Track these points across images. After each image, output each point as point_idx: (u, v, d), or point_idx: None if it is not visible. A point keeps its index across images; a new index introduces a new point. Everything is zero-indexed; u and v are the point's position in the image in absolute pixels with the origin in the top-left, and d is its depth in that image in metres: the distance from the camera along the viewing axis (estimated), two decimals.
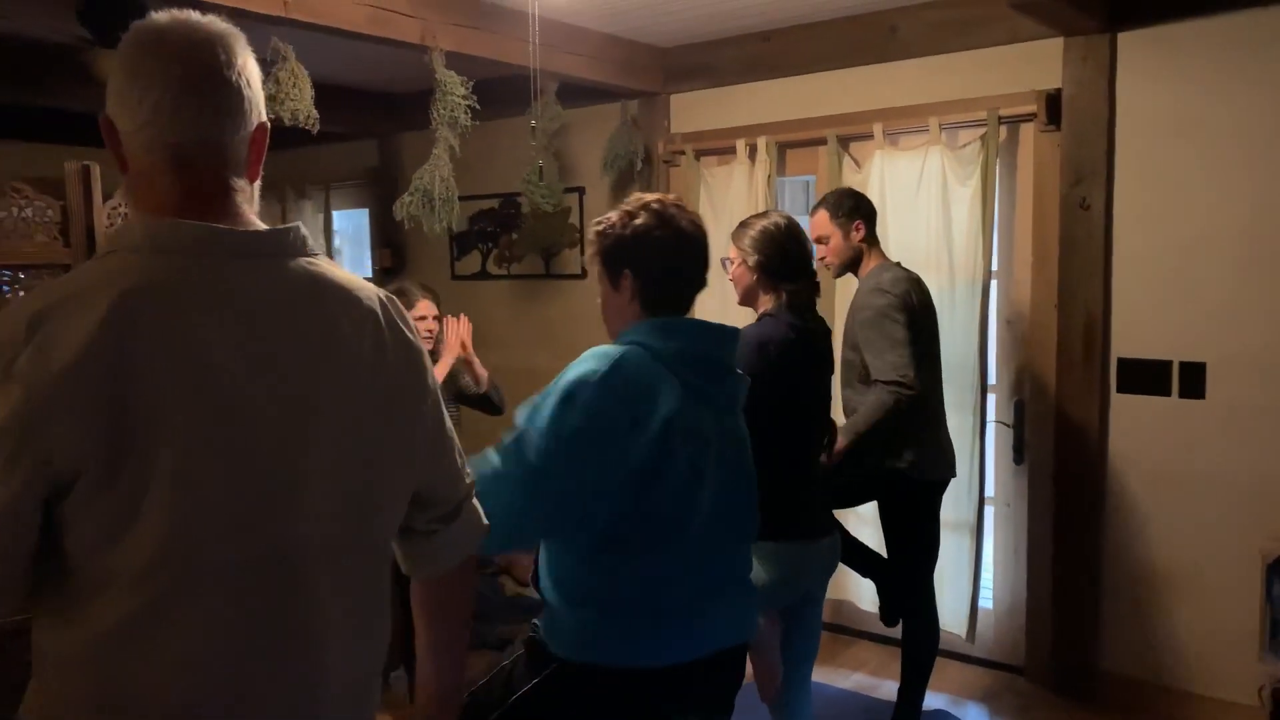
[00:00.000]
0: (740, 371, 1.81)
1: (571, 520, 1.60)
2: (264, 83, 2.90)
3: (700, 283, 1.78)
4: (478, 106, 3.45)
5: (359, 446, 1.17)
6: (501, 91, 3.72)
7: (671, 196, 1.79)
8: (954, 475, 3.16)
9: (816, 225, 3.11)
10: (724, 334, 1.78)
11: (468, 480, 1.35)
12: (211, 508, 1.05)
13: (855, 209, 3.04)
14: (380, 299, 1.22)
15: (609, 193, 4.47)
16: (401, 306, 1.25)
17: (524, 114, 3.93)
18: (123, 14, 1.15)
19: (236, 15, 2.77)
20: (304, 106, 2.96)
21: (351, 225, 6.37)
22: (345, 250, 6.56)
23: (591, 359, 1.63)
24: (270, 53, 2.95)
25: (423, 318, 3.25)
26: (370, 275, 5.77)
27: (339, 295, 1.17)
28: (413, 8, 3.28)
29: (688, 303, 1.77)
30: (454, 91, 3.35)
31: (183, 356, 1.03)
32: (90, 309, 1.00)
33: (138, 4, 3.13)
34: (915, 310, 2.97)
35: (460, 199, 4.92)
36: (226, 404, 1.05)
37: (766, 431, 2.36)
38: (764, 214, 2.53)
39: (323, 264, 1.18)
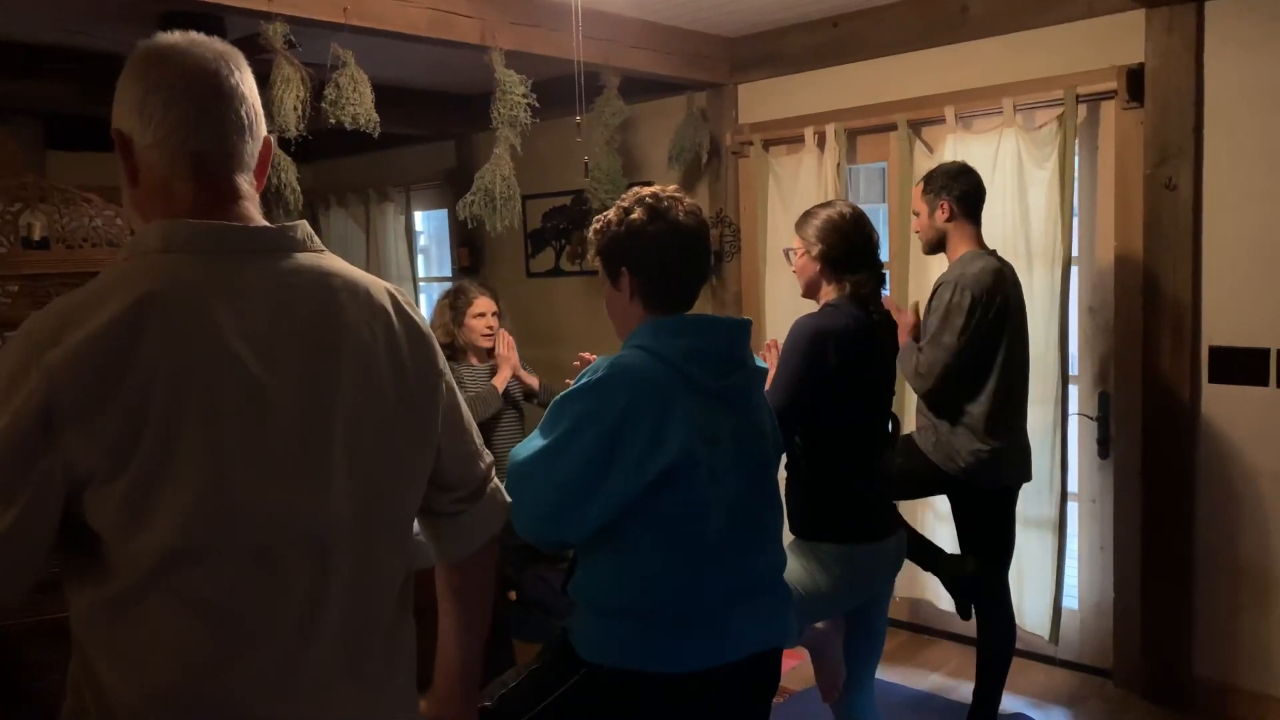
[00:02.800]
0: (758, 363, 1.77)
1: (569, 523, 1.61)
2: (325, 88, 3.00)
3: (703, 275, 1.75)
4: (537, 105, 3.46)
5: (376, 430, 1.20)
6: (571, 88, 3.73)
7: (671, 188, 1.75)
8: (1028, 479, 3.03)
9: (914, 197, 3.04)
10: (731, 328, 1.73)
11: (487, 460, 1.38)
12: (236, 494, 1.08)
13: (944, 188, 2.92)
14: (389, 290, 1.27)
15: (677, 186, 4.44)
16: (409, 298, 1.30)
17: (593, 110, 3.93)
18: (202, 28, 1.23)
19: (298, 23, 2.89)
20: (364, 110, 3.01)
21: (433, 225, 6.50)
22: (432, 250, 6.71)
23: (589, 370, 1.64)
24: (331, 58, 3.02)
25: (481, 314, 3.29)
26: (450, 274, 5.89)
27: (348, 287, 1.21)
28: (472, 8, 3.31)
29: (691, 296, 1.73)
30: (514, 91, 3.37)
31: (201, 350, 1.08)
32: (105, 310, 1.05)
33: (216, 18, 3.27)
34: (996, 310, 2.82)
35: (533, 197, 5.01)
36: (246, 392, 1.10)
37: (824, 426, 2.31)
38: (828, 203, 2.46)
39: (329, 259, 1.23)
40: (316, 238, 1.23)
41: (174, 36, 1.18)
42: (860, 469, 2.38)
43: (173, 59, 1.15)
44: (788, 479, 2.37)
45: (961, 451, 2.86)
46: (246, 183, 1.20)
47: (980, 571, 2.95)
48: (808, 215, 2.44)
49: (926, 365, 2.85)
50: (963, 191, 2.92)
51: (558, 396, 1.64)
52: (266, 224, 1.19)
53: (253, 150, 1.21)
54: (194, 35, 1.19)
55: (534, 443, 1.64)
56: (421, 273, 6.21)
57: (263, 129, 1.23)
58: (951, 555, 3.01)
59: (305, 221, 1.23)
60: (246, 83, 1.20)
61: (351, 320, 1.19)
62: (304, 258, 1.19)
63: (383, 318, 1.23)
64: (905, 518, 3.02)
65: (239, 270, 1.13)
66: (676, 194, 1.73)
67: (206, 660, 1.09)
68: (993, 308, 2.81)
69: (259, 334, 1.11)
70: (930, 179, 2.97)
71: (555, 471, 1.59)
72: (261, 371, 1.11)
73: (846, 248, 2.37)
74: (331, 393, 1.16)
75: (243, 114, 1.18)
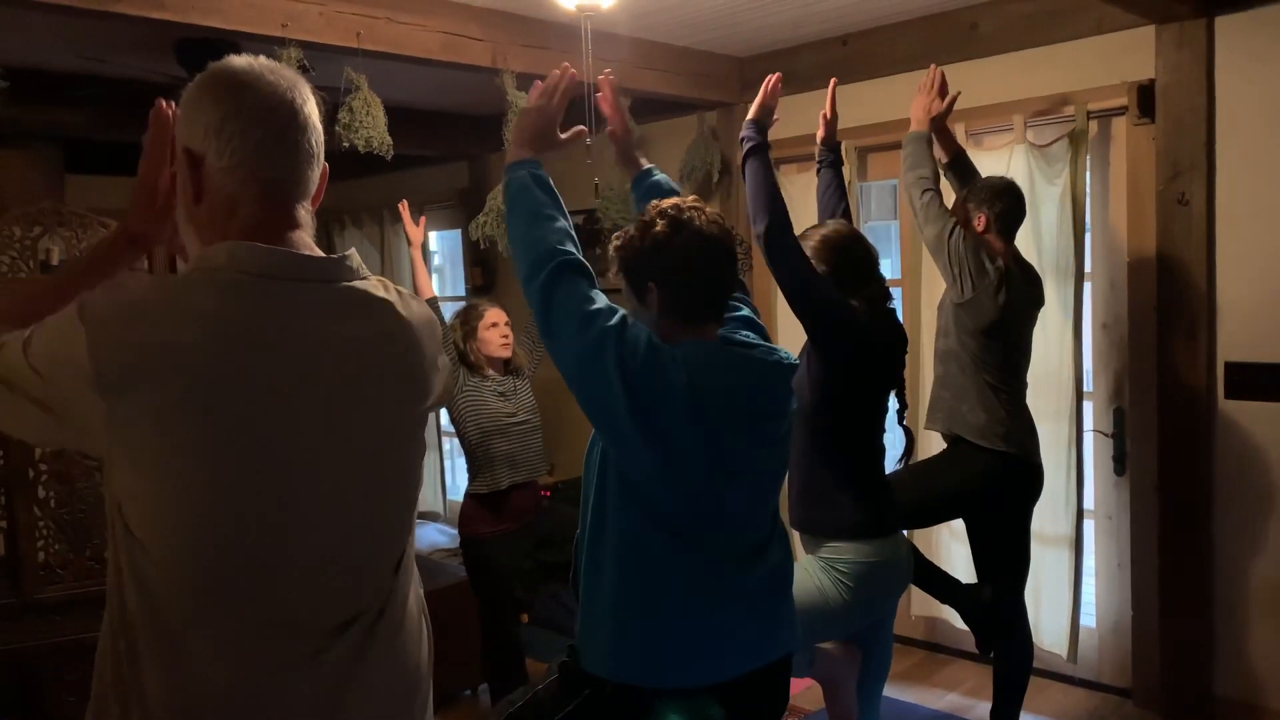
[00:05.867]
0: (791, 407, 1.73)
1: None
2: (339, 111, 3.03)
3: (731, 285, 1.72)
4: None
5: (405, 455, 1.26)
6: (582, 108, 3.75)
7: (691, 199, 1.72)
8: (1038, 458, 2.98)
9: (954, 201, 3.08)
10: (771, 371, 1.68)
11: None
12: (251, 514, 1.11)
13: (985, 201, 2.94)
14: (426, 321, 1.30)
15: (696, 196, 4.46)
16: (439, 329, 1.34)
17: (604, 130, 3.94)
18: (218, 55, 1.26)
19: (312, 48, 2.92)
20: (377, 134, 3.04)
21: (446, 245, 6.53)
22: (446, 269, 6.74)
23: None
24: (344, 82, 3.05)
25: (494, 324, 3.33)
26: (464, 293, 5.92)
27: (395, 316, 1.24)
28: (484, 31, 3.34)
29: (721, 307, 1.71)
30: None
31: (250, 371, 1.11)
32: (172, 322, 1.09)
33: (231, 44, 3.31)
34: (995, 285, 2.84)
35: None
36: (288, 416, 1.13)
37: (835, 420, 2.34)
38: (820, 225, 2.48)
39: (376, 287, 1.25)
40: (364, 266, 1.26)
41: (247, 61, 1.21)
42: (873, 468, 2.40)
43: (253, 85, 1.18)
44: (795, 479, 2.37)
45: (973, 412, 2.88)
46: (305, 210, 1.24)
47: (995, 600, 2.93)
48: (802, 238, 2.42)
49: (923, 199, 2.94)
50: (1004, 209, 2.94)
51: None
52: (322, 254, 1.22)
53: (315, 178, 1.25)
54: (265, 61, 1.22)
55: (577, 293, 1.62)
56: (436, 292, 6.22)
57: (322, 157, 1.26)
58: (967, 585, 2.99)
59: (354, 251, 1.25)
60: (314, 112, 1.23)
61: (397, 351, 1.23)
62: (357, 285, 1.22)
63: (427, 349, 1.27)
64: (920, 549, 3.03)
65: (295, 296, 1.17)
66: (697, 204, 1.70)
67: (214, 675, 1.11)
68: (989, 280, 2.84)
69: (309, 356, 1.15)
70: (974, 189, 3.00)
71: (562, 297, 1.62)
72: (306, 396, 1.14)
73: (848, 263, 2.37)
74: (370, 418, 1.20)
75: (313, 143, 1.22)
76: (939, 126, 3.13)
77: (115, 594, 1.13)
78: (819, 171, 2.81)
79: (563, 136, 1.80)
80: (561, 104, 1.76)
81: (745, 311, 1.85)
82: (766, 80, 2.48)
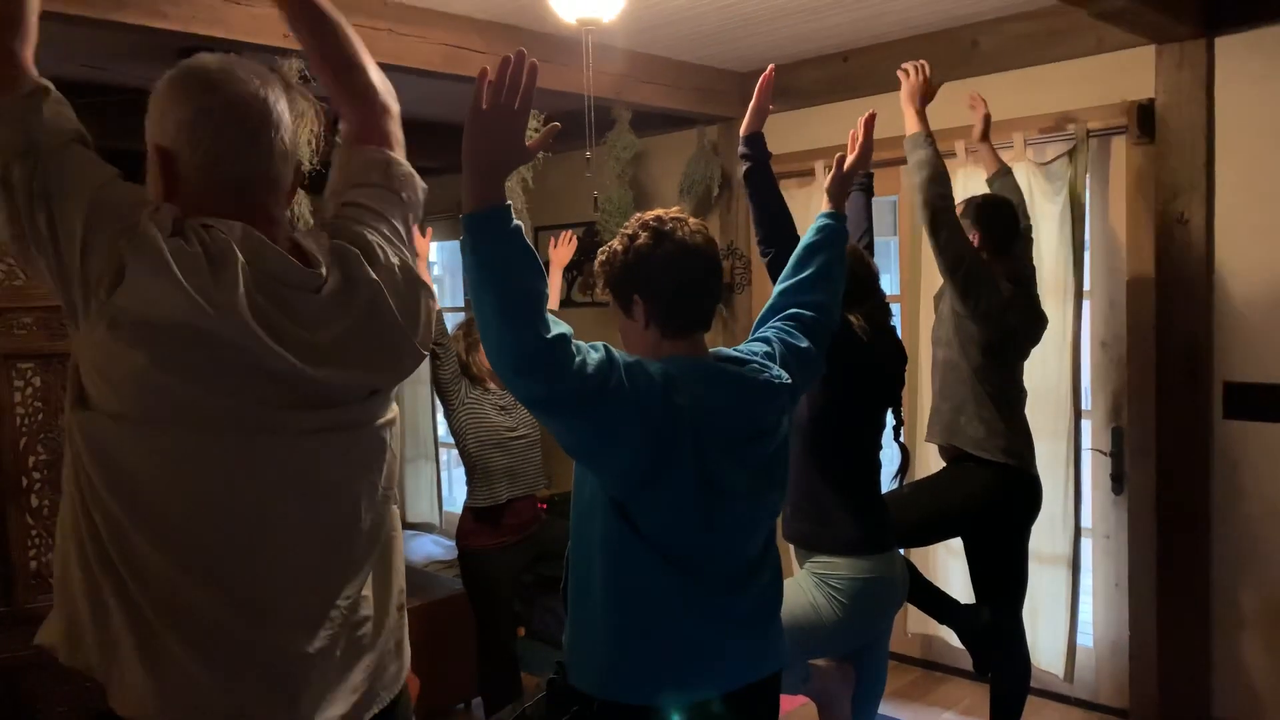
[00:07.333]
0: (781, 427, 1.71)
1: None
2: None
3: (715, 295, 1.71)
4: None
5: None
6: (583, 121, 3.76)
7: (674, 210, 1.72)
8: (1035, 470, 2.96)
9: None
10: (759, 390, 1.66)
11: None
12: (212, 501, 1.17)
13: (978, 219, 2.96)
14: (393, 278, 1.30)
15: (680, 207, 4.47)
16: (416, 276, 1.36)
17: (604, 143, 3.96)
18: None
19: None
20: None
21: (446, 256, 6.54)
22: (445, 280, 6.74)
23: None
24: None
25: None
26: (463, 304, 5.91)
27: (366, 297, 1.26)
28: (485, 44, 3.35)
29: (707, 316, 1.70)
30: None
31: (241, 337, 1.13)
32: (188, 261, 1.12)
33: (235, 53, 3.32)
34: (988, 305, 2.84)
35: (545, 229, 5.03)
36: (247, 373, 1.16)
37: (832, 435, 2.34)
38: None
39: (344, 285, 1.25)
40: (329, 263, 1.24)
41: (219, 58, 1.21)
42: (869, 481, 2.40)
43: (223, 84, 1.18)
44: (791, 494, 2.36)
45: (971, 424, 2.88)
46: (277, 207, 1.24)
47: (994, 623, 2.91)
48: None
49: (934, 193, 2.87)
50: (991, 225, 2.95)
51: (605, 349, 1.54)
52: (301, 265, 1.21)
53: (288, 174, 1.25)
54: (236, 58, 1.22)
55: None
56: (438, 303, 6.23)
57: (296, 153, 1.26)
58: (965, 606, 2.97)
59: (324, 265, 1.24)
60: (286, 110, 1.23)
61: (375, 325, 1.26)
62: (330, 289, 1.22)
63: (402, 305, 1.30)
64: (918, 568, 3.01)
65: (283, 296, 1.18)
66: (680, 215, 1.69)
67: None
68: (984, 295, 2.83)
69: (288, 348, 1.16)
70: (967, 205, 3.02)
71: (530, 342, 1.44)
72: (279, 369, 1.16)
73: (851, 280, 2.37)
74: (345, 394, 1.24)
75: (285, 140, 1.23)
76: (983, 136, 3.20)
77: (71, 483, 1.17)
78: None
79: (531, 144, 1.40)
80: (525, 103, 1.35)
81: (769, 332, 1.82)
82: (761, 80, 2.35)
